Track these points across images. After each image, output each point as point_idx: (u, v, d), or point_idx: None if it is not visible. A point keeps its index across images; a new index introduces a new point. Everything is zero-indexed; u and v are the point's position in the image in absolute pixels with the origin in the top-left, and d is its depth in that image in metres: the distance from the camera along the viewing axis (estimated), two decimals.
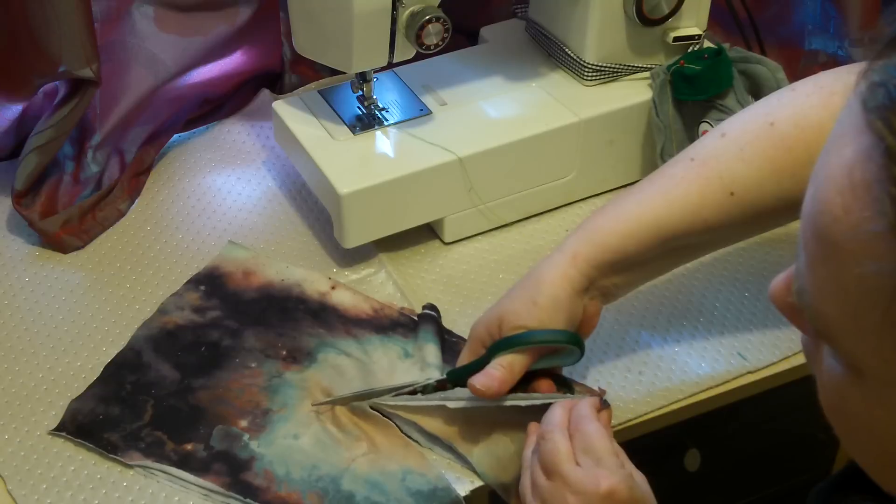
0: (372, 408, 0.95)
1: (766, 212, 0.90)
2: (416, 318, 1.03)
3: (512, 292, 0.91)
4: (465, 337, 1.02)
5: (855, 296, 0.49)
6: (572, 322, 0.90)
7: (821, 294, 0.52)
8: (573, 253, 0.89)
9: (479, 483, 0.90)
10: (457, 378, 0.92)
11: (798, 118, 0.89)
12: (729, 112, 1.11)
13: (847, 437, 0.59)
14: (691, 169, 0.89)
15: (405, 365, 0.99)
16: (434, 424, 0.93)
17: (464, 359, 0.94)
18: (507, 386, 0.88)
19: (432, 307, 1.03)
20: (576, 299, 0.89)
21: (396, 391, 0.94)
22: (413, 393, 0.93)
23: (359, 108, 1.14)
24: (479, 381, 0.88)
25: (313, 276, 1.08)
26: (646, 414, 0.96)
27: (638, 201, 0.90)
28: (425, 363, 0.98)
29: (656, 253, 0.90)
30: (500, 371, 0.88)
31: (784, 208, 0.90)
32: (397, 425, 0.94)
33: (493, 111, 1.14)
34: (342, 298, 1.06)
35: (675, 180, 0.90)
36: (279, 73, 1.29)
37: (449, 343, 1.01)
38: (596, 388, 0.97)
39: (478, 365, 0.90)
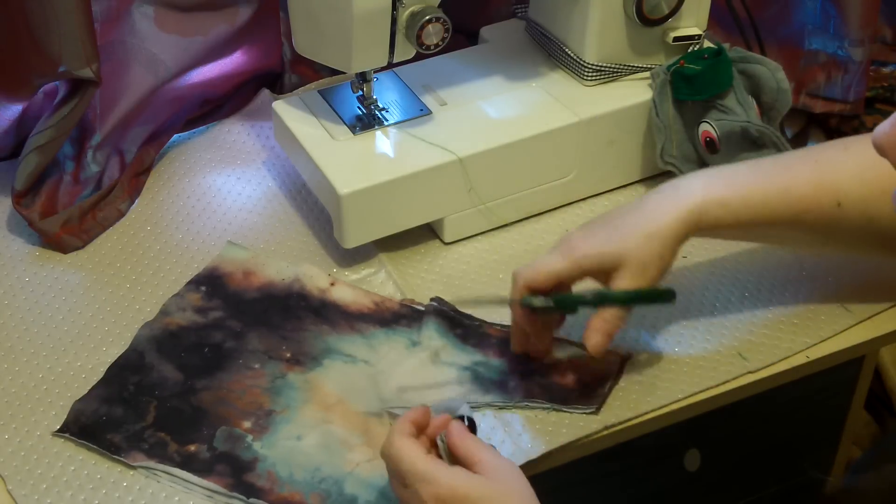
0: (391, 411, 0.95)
1: (857, 233, 0.97)
2: (417, 307, 1.04)
3: (631, 232, 0.91)
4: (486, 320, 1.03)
5: None
6: None
7: None
8: (695, 211, 0.92)
9: None
10: (567, 306, 0.94)
11: None
12: (729, 112, 1.11)
13: None
14: (814, 172, 0.95)
15: (414, 354, 1.00)
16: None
17: (553, 266, 0.92)
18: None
19: (439, 300, 1.04)
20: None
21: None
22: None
23: (359, 108, 1.14)
24: (595, 343, 0.92)
25: (312, 272, 1.08)
26: (646, 414, 0.96)
27: (765, 191, 0.94)
28: (437, 358, 0.99)
29: (750, 234, 0.98)
30: (615, 328, 0.92)
31: (870, 235, 0.97)
32: None
33: (493, 111, 1.14)
34: (342, 294, 1.06)
35: (797, 180, 0.94)
36: (279, 73, 1.29)
37: (472, 328, 1.02)
38: (623, 352, 0.99)
39: (582, 301, 0.93)
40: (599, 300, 0.92)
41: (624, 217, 0.93)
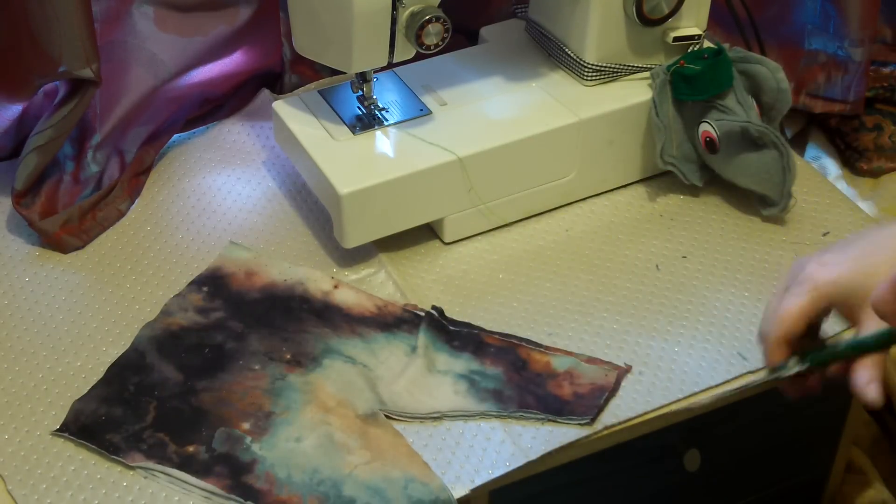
0: (387, 415, 0.95)
1: None
2: (419, 312, 1.04)
3: (884, 260, 0.81)
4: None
5: None
6: None
7: None
8: None
9: (479, 482, 0.91)
10: (820, 364, 0.84)
11: None
12: (729, 112, 1.11)
13: None
14: None
15: (412, 361, 0.99)
16: None
17: (798, 307, 0.83)
18: None
19: (439, 310, 1.04)
20: None
21: None
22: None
23: (359, 108, 1.14)
24: (876, 396, 0.80)
25: (316, 275, 1.08)
26: (646, 414, 0.96)
27: None
28: (434, 366, 0.99)
29: None
30: (881, 372, 0.80)
31: None
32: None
33: (493, 111, 1.14)
34: (345, 297, 1.06)
35: None
36: (279, 73, 1.29)
37: (470, 336, 1.02)
38: (622, 364, 0.99)
39: (836, 355, 0.83)
40: (854, 350, 0.81)
41: (874, 244, 0.83)
